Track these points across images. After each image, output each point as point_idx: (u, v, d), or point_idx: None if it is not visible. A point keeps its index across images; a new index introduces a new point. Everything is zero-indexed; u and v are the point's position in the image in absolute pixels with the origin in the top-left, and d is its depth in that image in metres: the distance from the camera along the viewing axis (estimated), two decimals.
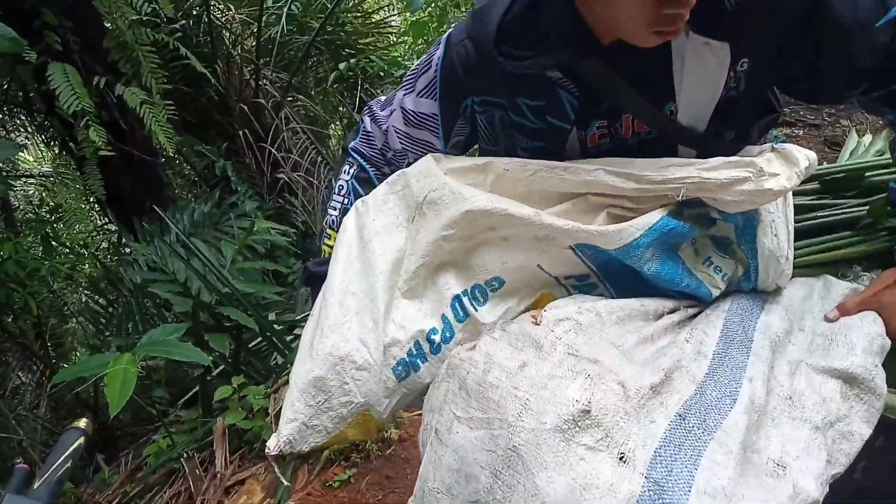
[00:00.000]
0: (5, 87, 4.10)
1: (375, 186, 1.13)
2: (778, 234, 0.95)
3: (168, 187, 4.41)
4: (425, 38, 4.71)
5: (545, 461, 0.71)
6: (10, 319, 3.63)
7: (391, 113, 1.16)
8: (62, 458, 0.88)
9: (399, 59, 5.17)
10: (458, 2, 4.39)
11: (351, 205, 1.15)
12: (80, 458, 0.92)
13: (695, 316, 0.98)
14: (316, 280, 1.13)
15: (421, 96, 1.10)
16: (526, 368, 0.81)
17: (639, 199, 0.93)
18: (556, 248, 0.94)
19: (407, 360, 0.96)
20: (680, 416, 0.78)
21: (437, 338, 0.95)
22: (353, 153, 1.23)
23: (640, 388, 0.79)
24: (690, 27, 0.86)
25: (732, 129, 1.01)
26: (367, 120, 1.22)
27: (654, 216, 0.90)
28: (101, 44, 3.32)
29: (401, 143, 1.15)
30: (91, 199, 4.87)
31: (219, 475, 2.46)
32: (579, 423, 0.74)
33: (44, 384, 3.60)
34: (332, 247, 1.15)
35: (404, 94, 1.13)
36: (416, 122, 1.11)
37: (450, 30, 1.09)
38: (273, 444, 1.00)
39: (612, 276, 0.96)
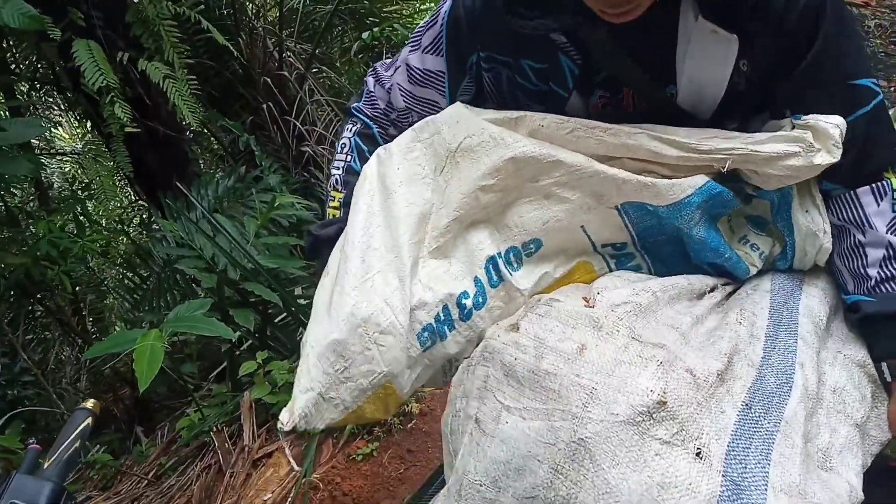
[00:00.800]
0: (35, 65, 4.15)
1: (380, 144, 1.07)
2: (809, 209, 0.89)
3: (194, 163, 4.43)
4: None
5: (617, 456, 0.66)
6: (49, 296, 3.72)
7: (395, 70, 1.12)
8: (70, 438, 0.88)
9: None
10: None
11: (354, 161, 1.11)
12: (88, 437, 0.92)
13: (732, 294, 0.93)
14: (324, 244, 1.06)
15: (427, 52, 1.05)
16: (586, 352, 0.75)
17: (678, 167, 0.86)
18: (602, 206, 0.87)
19: (434, 325, 0.86)
20: (746, 405, 0.74)
21: (468, 302, 0.86)
22: (355, 112, 1.20)
23: (708, 375, 0.74)
24: (700, 12, 0.85)
25: (735, 122, 0.96)
26: (370, 80, 1.18)
27: (701, 179, 0.84)
28: (124, 19, 3.31)
29: (405, 101, 1.11)
30: (120, 176, 4.94)
31: (247, 448, 2.49)
32: (654, 416, 0.68)
33: (83, 360, 3.70)
34: (337, 208, 1.10)
35: (410, 51, 1.09)
36: (422, 79, 1.06)
37: None
38: (286, 419, 0.89)
39: (650, 246, 0.91)
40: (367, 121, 1.17)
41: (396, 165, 0.94)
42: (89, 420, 0.92)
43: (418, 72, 1.06)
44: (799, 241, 0.90)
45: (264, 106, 4.10)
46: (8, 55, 3.93)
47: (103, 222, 5.26)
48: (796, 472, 0.69)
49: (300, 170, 4.28)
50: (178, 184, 3.10)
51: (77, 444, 0.89)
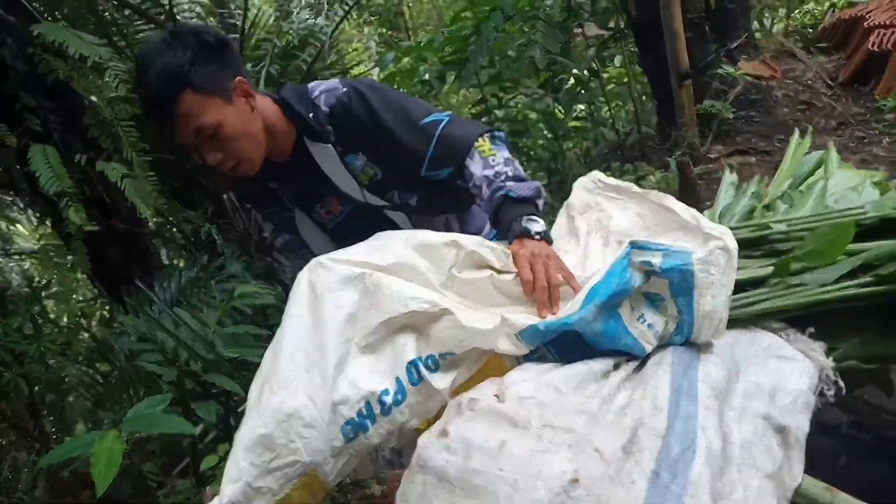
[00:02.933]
0: None
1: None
2: (716, 296, 0.98)
3: (156, 256, 4.45)
4: (398, 87, 4.88)
5: None
6: (3, 401, 3.63)
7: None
8: None
9: None
10: (425, 57, 4.53)
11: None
12: None
13: (637, 368, 1.00)
14: (287, 247, 1.58)
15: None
16: (507, 446, 0.83)
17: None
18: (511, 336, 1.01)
19: (357, 419, 0.96)
20: (655, 472, 0.80)
21: (388, 399, 0.96)
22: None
23: (615, 451, 0.82)
24: (308, 140, 1.48)
25: (414, 196, 1.56)
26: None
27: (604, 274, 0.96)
28: (82, 121, 3.40)
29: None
30: (80, 274, 4.92)
31: None
32: (570, 494, 0.75)
33: (37, 466, 3.58)
34: None
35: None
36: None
37: None
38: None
39: (554, 343, 0.99)
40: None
41: (328, 272, 1.03)
42: None
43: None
44: (697, 322, 0.98)
45: (225, 195, 4.18)
46: None
47: (64, 318, 5.18)
48: None
49: (263, 255, 4.33)
50: (139, 280, 3.12)
51: None
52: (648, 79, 5.04)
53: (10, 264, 5.52)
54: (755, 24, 6.31)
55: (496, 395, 0.93)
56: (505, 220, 1.30)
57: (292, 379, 0.98)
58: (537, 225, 1.28)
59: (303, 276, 1.09)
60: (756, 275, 1.17)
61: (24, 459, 3.86)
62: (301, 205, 1.49)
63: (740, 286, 1.12)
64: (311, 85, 1.44)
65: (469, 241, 1.14)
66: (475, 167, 1.36)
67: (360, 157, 1.42)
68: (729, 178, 1.60)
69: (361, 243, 1.17)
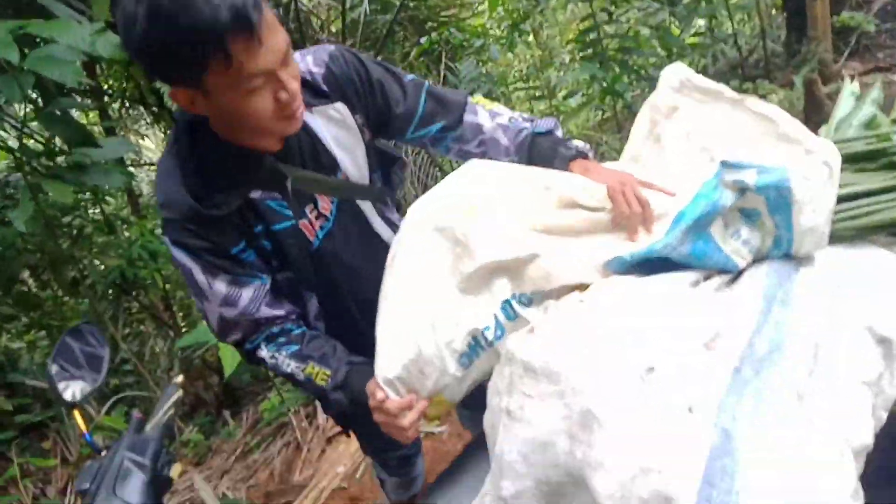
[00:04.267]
0: (124, 87, 4.53)
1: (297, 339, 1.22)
2: (817, 211, 0.95)
3: None
4: (503, 4, 4.69)
5: (619, 417, 0.77)
6: (143, 294, 4.06)
7: (234, 306, 1.15)
8: (165, 406, 1.07)
9: (479, 28, 5.20)
10: None
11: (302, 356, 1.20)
12: (180, 406, 1.10)
13: (731, 281, 0.99)
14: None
15: (218, 278, 1.11)
16: (587, 339, 0.88)
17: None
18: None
19: (468, 351, 1.04)
20: (736, 368, 0.82)
21: (489, 334, 1.03)
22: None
23: (696, 344, 0.84)
24: (309, 108, 1.11)
25: (378, 176, 1.29)
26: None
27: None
28: None
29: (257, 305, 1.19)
30: None
31: (321, 427, 2.71)
32: (646, 380, 0.79)
33: (174, 350, 4.04)
34: (328, 376, 1.18)
35: (219, 290, 1.12)
36: (235, 296, 1.14)
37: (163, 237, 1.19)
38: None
39: (643, 267, 1.02)
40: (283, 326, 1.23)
41: (421, 222, 1.09)
42: (179, 392, 1.12)
43: (234, 291, 1.14)
44: (797, 237, 0.96)
45: None
46: (101, 80, 4.31)
47: None
48: (788, 419, 0.76)
49: None
50: None
51: (171, 412, 1.09)
52: None
53: (141, 174, 6.02)
54: None
55: (581, 301, 0.98)
56: (543, 154, 1.24)
57: (404, 327, 1.06)
58: (579, 143, 1.25)
59: (405, 224, 1.11)
60: (870, 187, 1.11)
61: (161, 346, 4.39)
62: (295, 209, 1.15)
63: (852, 198, 1.06)
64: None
65: (557, 180, 1.14)
66: (482, 119, 1.28)
67: (359, 118, 1.20)
68: (849, 87, 1.47)
69: (451, 177, 1.13)
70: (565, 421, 0.81)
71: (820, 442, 0.75)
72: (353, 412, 1.18)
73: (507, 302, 1.03)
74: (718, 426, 0.74)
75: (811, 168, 0.95)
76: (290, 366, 1.18)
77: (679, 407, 0.77)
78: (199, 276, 1.10)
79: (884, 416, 0.87)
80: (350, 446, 2.54)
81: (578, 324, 0.92)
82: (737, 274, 1.00)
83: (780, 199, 0.93)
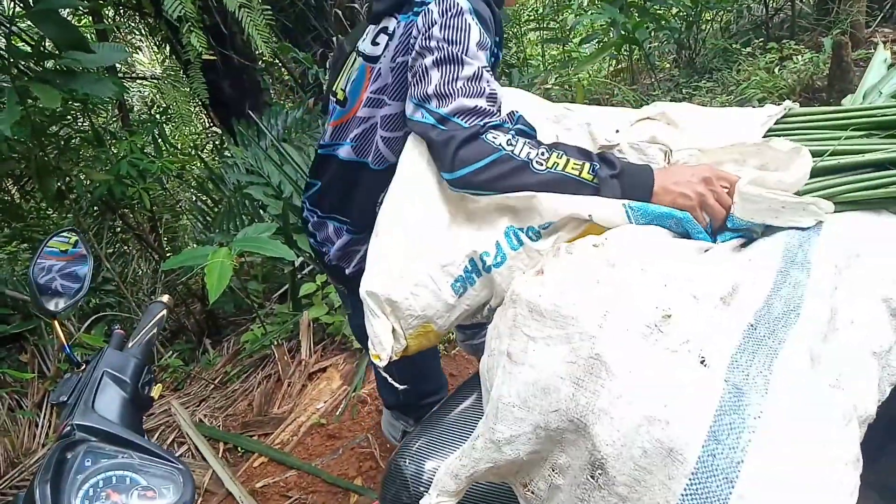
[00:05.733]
0: None
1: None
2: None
3: (265, 93, 4.56)
4: None
5: (629, 365, 0.74)
6: (129, 213, 3.97)
7: (490, 83, 1.05)
8: (149, 324, 1.01)
9: None
10: None
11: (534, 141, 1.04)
12: (163, 327, 1.05)
13: (746, 243, 0.97)
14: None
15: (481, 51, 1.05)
16: (601, 283, 0.84)
17: None
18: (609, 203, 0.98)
19: (463, 275, 1.00)
20: (751, 325, 0.79)
21: (488, 260, 0.98)
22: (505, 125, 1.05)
23: (712, 297, 0.81)
24: None
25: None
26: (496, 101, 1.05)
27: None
28: None
29: None
30: (196, 102, 5.13)
31: (303, 362, 2.69)
32: (661, 328, 0.76)
33: (159, 273, 3.98)
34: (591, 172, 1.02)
35: (482, 61, 1.04)
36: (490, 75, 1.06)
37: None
38: (384, 356, 1.02)
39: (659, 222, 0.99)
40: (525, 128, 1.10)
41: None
42: (164, 312, 1.06)
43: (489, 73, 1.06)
44: None
45: (335, 38, 4.16)
46: None
47: (179, 146, 5.51)
48: (800, 381, 0.74)
49: None
50: (251, 112, 3.22)
51: (154, 331, 1.03)
52: None
53: (133, 89, 5.83)
54: None
55: (595, 245, 0.93)
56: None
57: (401, 242, 1.01)
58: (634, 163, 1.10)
59: (412, 152, 1.05)
60: (893, 156, 1.07)
61: (145, 269, 4.32)
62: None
63: (879, 167, 1.03)
64: None
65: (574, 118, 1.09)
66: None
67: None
68: (881, 54, 1.41)
69: None
70: (570, 366, 0.78)
71: (828, 407, 0.73)
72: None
73: (512, 229, 0.99)
74: (730, 382, 0.72)
75: None
76: (531, 154, 0.99)
77: (692, 358, 0.74)
78: (476, 36, 1.04)
79: (888, 390, 0.85)
80: (332, 384, 2.52)
81: (591, 268, 0.88)
82: (750, 239, 0.99)
83: None
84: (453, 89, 1.00)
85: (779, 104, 1.26)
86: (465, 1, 1.05)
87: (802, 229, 0.95)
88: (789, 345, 0.77)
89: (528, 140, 1.00)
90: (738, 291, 0.83)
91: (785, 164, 1.00)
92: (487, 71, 1.04)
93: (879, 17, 4.05)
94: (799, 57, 3.27)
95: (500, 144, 0.97)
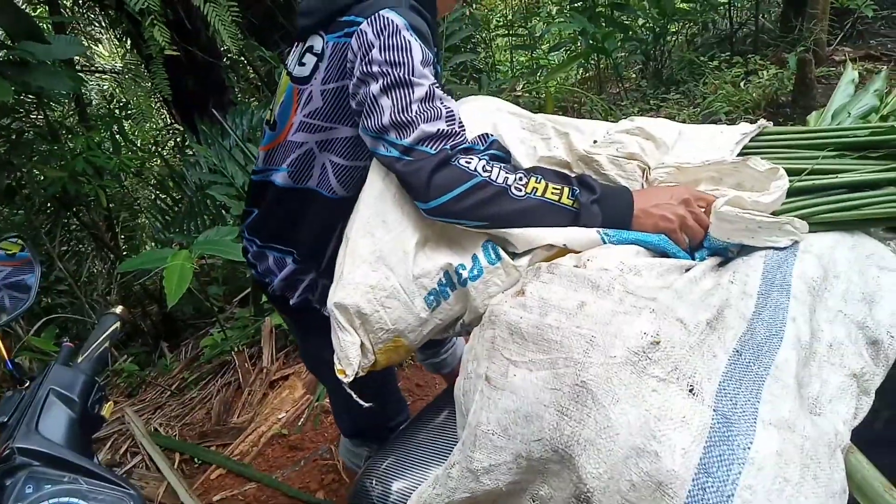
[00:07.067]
0: None
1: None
2: None
3: (230, 91, 4.46)
4: None
5: (617, 394, 0.71)
6: (84, 211, 3.84)
7: (444, 100, 1.00)
8: (101, 338, 0.95)
9: None
10: None
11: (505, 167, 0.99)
12: (117, 339, 0.99)
13: (723, 263, 0.97)
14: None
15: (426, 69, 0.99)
16: (586, 307, 0.81)
17: None
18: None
19: (437, 288, 0.96)
20: (737, 351, 0.78)
21: (464, 273, 0.95)
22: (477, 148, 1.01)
23: (698, 323, 0.79)
24: None
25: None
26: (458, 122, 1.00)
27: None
28: None
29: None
30: (158, 98, 4.99)
31: (265, 370, 2.61)
32: (650, 356, 0.74)
33: (115, 274, 3.84)
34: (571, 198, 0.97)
35: (429, 79, 0.98)
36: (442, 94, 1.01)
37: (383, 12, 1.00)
38: (350, 372, 0.96)
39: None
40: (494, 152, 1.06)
41: None
42: (118, 324, 1.00)
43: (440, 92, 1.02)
44: None
45: None
46: None
47: (138, 143, 5.35)
48: (786, 409, 0.73)
49: None
50: (215, 111, 3.13)
51: (106, 345, 0.97)
52: None
53: (91, 83, 5.65)
54: None
55: (577, 266, 0.91)
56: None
57: (374, 252, 0.96)
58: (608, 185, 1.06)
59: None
60: (870, 178, 1.08)
61: (100, 268, 4.17)
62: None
63: (853, 188, 1.05)
64: None
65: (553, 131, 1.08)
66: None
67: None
68: (850, 74, 1.43)
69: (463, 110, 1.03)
70: (554, 393, 0.75)
71: (815, 436, 0.72)
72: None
73: (490, 243, 0.95)
74: (719, 412, 0.70)
75: None
76: (508, 179, 0.94)
77: (681, 387, 0.72)
78: (418, 54, 0.97)
79: (861, 416, 0.85)
80: (294, 392, 2.46)
81: (574, 289, 0.85)
82: (726, 259, 0.99)
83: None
84: (410, 117, 0.94)
85: (745, 118, 1.27)
86: (399, 17, 0.98)
87: (780, 249, 0.95)
88: (774, 371, 0.76)
89: (503, 165, 0.96)
90: (723, 315, 0.82)
91: (762, 184, 1.00)
92: (438, 88, 0.99)
93: (840, 36, 4.18)
94: (764, 72, 3.34)
95: (475, 169, 0.93)
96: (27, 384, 0.87)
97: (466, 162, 0.93)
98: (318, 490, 2.02)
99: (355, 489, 1.04)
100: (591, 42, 3.77)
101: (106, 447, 2.45)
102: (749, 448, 0.66)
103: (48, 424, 0.80)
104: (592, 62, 4.12)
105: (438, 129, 0.94)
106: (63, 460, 0.75)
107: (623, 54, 3.99)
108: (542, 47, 5.00)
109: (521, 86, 4.56)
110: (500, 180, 0.93)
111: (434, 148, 0.93)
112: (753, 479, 0.64)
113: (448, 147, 0.93)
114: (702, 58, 4.13)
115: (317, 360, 1.32)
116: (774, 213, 0.98)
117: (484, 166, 0.93)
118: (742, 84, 3.59)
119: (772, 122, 1.30)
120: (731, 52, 3.85)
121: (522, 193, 0.93)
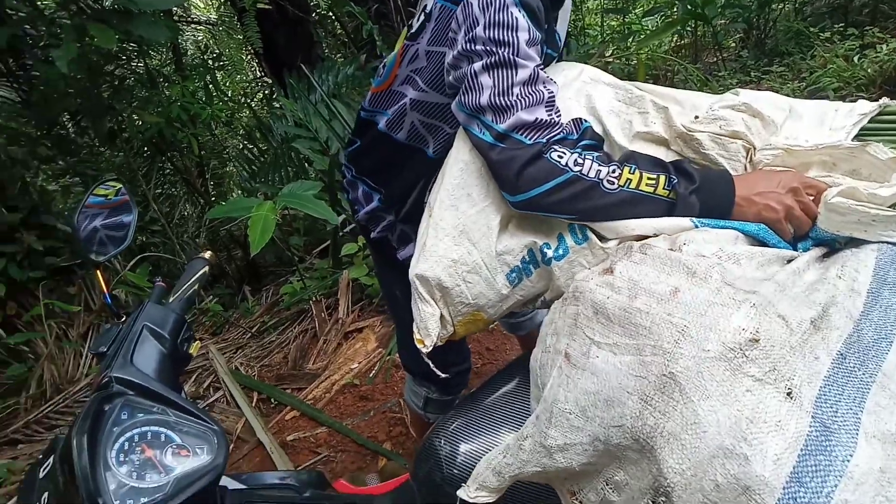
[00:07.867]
0: None
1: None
2: None
3: (318, 46, 4.51)
4: None
5: (708, 390, 0.68)
6: (178, 156, 4.02)
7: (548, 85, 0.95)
8: (190, 280, 1.00)
9: None
10: None
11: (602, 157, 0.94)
12: (205, 282, 1.04)
13: (828, 254, 0.89)
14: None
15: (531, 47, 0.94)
16: (679, 294, 0.76)
17: None
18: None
19: (520, 266, 0.95)
20: (841, 354, 0.73)
21: (549, 252, 0.92)
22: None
23: (802, 321, 0.73)
24: None
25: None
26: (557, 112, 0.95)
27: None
28: None
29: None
30: (249, 51, 5.11)
31: (340, 321, 2.69)
32: (747, 353, 0.69)
33: (203, 218, 4.03)
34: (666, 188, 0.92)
35: (535, 62, 0.94)
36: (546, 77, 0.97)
37: None
38: (429, 342, 0.98)
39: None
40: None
41: None
42: (206, 269, 1.04)
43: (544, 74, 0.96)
44: None
45: None
46: None
47: (229, 94, 5.53)
48: (893, 421, 0.68)
49: None
50: (303, 65, 3.18)
51: (196, 287, 1.02)
52: None
53: (187, 33, 5.84)
54: None
55: (672, 249, 0.86)
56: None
57: (457, 226, 0.95)
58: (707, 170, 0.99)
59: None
60: None
61: (190, 212, 4.39)
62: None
63: None
64: None
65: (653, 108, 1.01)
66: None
67: None
68: None
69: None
70: (639, 380, 0.72)
71: None
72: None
73: (577, 224, 0.92)
74: (818, 419, 0.65)
75: None
76: (601, 172, 0.89)
77: (777, 389, 0.67)
78: (524, 33, 0.93)
79: None
80: (367, 345, 2.52)
81: (668, 273, 0.80)
82: (832, 250, 0.90)
83: None
84: (510, 101, 0.90)
85: (857, 96, 1.16)
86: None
87: (894, 244, 0.87)
88: (881, 379, 0.71)
89: (596, 155, 0.91)
90: (829, 314, 0.75)
91: (881, 174, 0.91)
92: (542, 69, 0.94)
93: None
94: (883, 46, 3.04)
95: (566, 164, 0.88)
96: (124, 318, 0.93)
97: (559, 156, 0.89)
98: (384, 441, 2.09)
99: (423, 446, 1.06)
100: (689, 7, 3.55)
101: (191, 380, 2.62)
102: (848, 461, 0.62)
103: (142, 358, 0.86)
104: (689, 29, 3.88)
105: (536, 119, 0.90)
106: (154, 392, 0.80)
107: (723, 21, 3.72)
108: (636, 11, 4.76)
109: (610, 51, 4.38)
110: (592, 174, 0.89)
111: (530, 138, 0.89)
112: (851, 494, 0.61)
113: (543, 140, 0.89)
114: (811, 28, 3.82)
115: (389, 291, 1.36)
116: (893, 206, 0.90)
117: (576, 160, 0.89)
118: (856, 58, 3.29)
119: (895, 102, 1.18)
120: (845, 22, 3.53)
121: (615, 186, 0.89)
